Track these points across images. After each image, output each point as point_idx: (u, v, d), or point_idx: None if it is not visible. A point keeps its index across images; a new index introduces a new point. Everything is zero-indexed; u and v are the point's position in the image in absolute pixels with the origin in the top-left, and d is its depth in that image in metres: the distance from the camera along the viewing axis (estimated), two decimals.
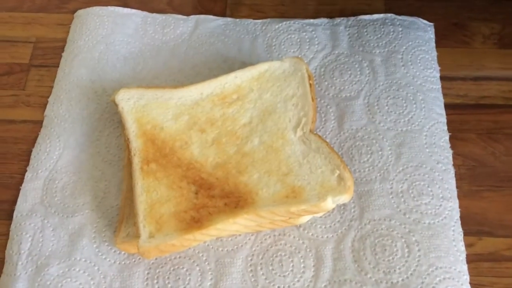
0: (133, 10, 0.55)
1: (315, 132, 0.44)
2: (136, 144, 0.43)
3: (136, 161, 0.42)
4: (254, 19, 0.55)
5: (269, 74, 0.47)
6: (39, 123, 0.48)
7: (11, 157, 0.47)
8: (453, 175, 0.45)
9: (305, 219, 0.43)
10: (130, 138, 0.43)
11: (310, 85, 0.46)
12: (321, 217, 0.44)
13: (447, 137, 0.47)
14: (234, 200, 0.41)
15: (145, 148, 0.43)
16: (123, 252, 0.42)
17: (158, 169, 0.42)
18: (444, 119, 0.48)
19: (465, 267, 0.41)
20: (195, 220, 0.40)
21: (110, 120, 0.48)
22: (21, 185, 0.45)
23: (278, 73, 0.47)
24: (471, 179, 0.46)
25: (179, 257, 0.42)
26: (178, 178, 0.42)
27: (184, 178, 0.42)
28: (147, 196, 0.41)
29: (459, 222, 0.43)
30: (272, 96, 0.46)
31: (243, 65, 0.51)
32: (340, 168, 0.41)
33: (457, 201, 0.44)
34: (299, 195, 0.41)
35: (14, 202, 0.45)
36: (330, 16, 0.55)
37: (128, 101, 0.45)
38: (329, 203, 0.40)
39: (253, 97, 0.46)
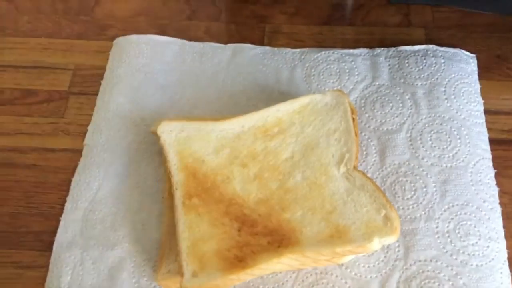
0: (171, 38, 0.55)
1: (358, 169, 0.44)
2: (178, 177, 0.43)
3: (178, 195, 0.42)
4: (292, 48, 0.54)
5: (311, 107, 0.46)
6: (78, 152, 0.48)
7: (51, 186, 0.47)
8: (500, 214, 0.44)
9: (348, 257, 0.42)
10: (172, 171, 0.43)
11: (353, 119, 0.45)
12: (364, 256, 0.43)
13: (493, 174, 0.46)
14: (278, 239, 0.40)
15: (187, 182, 0.43)
16: None
17: (200, 204, 0.42)
18: (489, 155, 0.47)
19: None
20: (238, 259, 0.39)
21: (148, 151, 0.48)
22: (60, 216, 0.45)
23: (320, 106, 0.46)
24: None
25: None
26: (220, 214, 0.41)
27: (226, 214, 0.41)
28: (190, 233, 0.40)
29: (507, 264, 0.42)
30: (314, 130, 0.45)
31: (282, 94, 0.51)
32: (386, 208, 0.40)
33: (504, 241, 0.43)
34: (344, 235, 0.40)
35: (53, 233, 0.44)
36: (369, 46, 0.54)
37: (170, 134, 0.45)
38: (376, 244, 0.39)
39: (294, 131, 0.45)
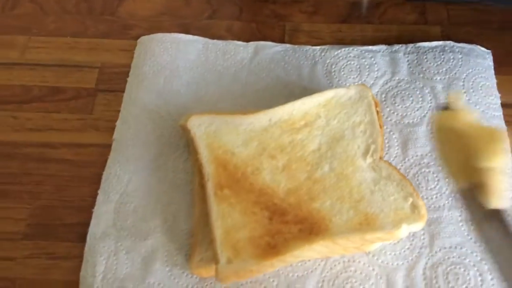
0: (195, 37, 0.56)
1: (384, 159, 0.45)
2: (208, 169, 0.44)
3: (210, 186, 0.43)
4: (312, 45, 0.56)
5: (335, 101, 0.48)
6: (108, 147, 0.49)
7: (82, 180, 0.48)
8: None
9: (375, 245, 0.43)
10: (203, 163, 0.44)
11: (377, 112, 0.47)
12: (390, 244, 0.44)
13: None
14: (308, 227, 0.41)
15: (218, 174, 0.44)
16: (195, 276, 0.43)
17: (231, 195, 0.43)
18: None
19: None
20: (271, 246, 0.40)
21: (176, 145, 0.49)
22: (93, 208, 0.46)
23: (344, 100, 0.48)
24: None
25: (250, 282, 0.43)
26: (251, 204, 0.42)
27: (257, 204, 0.42)
28: (223, 222, 0.41)
29: None
30: (340, 123, 0.47)
31: (304, 90, 0.52)
32: (413, 196, 0.42)
33: None
34: (372, 222, 0.41)
35: (86, 224, 0.45)
36: (387, 42, 0.56)
37: (200, 127, 0.46)
38: (404, 231, 0.40)
39: (320, 124, 0.47)
